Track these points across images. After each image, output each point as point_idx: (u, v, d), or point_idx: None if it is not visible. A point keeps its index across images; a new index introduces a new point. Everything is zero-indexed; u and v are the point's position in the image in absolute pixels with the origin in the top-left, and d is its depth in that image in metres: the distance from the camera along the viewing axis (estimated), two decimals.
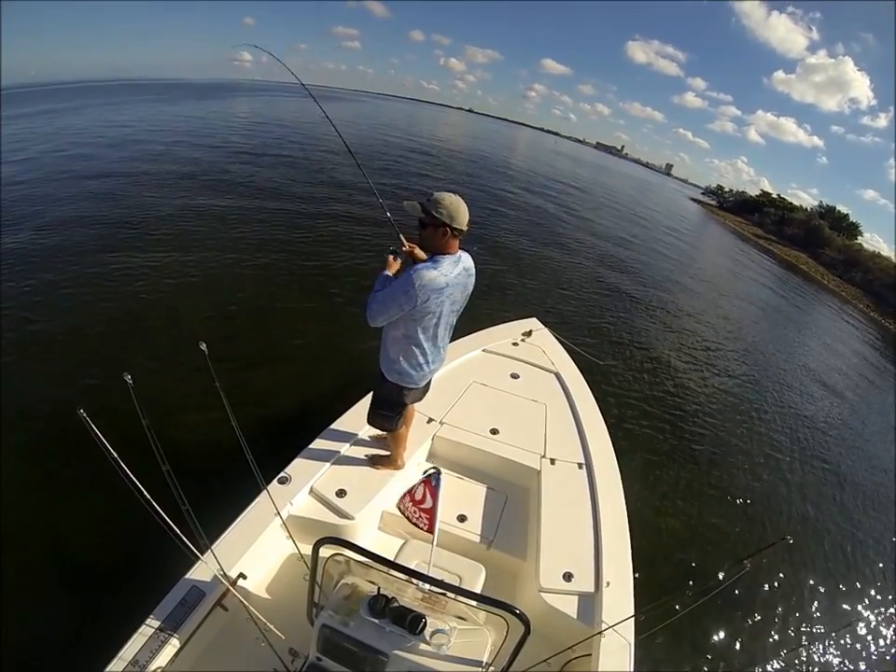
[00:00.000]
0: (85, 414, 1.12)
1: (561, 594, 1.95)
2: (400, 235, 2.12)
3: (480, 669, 1.37)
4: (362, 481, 2.27)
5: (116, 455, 1.17)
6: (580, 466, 2.61)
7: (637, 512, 2.59)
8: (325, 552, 1.37)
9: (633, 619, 1.78)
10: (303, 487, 2.15)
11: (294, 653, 1.63)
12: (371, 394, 2.24)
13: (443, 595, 1.38)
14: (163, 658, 1.49)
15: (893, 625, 3.46)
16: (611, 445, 2.81)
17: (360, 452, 2.43)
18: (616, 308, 8.35)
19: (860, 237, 46.06)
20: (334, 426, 2.52)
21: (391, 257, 2.05)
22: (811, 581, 3.63)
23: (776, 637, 3.12)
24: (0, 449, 3.08)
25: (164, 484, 1.33)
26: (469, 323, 3.03)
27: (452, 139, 36.73)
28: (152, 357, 4.23)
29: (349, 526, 2.10)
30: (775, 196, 54.59)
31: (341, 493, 2.19)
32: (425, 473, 1.95)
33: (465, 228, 1.82)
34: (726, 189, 65.93)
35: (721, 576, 1.43)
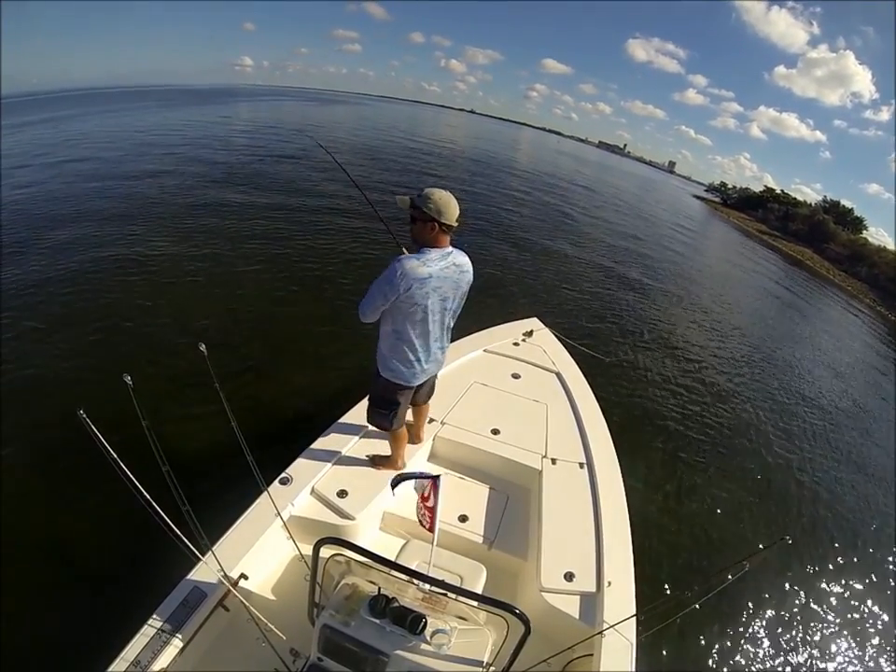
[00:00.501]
0: (85, 415, 1.12)
1: (562, 593, 1.95)
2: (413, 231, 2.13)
3: (480, 669, 1.37)
4: (363, 481, 2.28)
5: (116, 456, 1.17)
6: (581, 466, 2.61)
7: (638, 512, 2.58)
8: (326, 552, 1.37)
9: (634, 619, 1.77)
10: (304, 488, 2.16)
11: (295, 654, 1.64)
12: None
13: (444, 595, 1.38)
14: (165, 658, 1.50)
15: (893, 624, 3.44)
16: (612, 445, 2.80)
17: (361, 452, 2.44)
18: (620, 306, 8.33)
19: (864, 231, 45.73)
20: (335, 426, 2.52)
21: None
22: (811, 581, 3.61)
23: (776, 636, 3.11)
24: (0, 450, 3.10)
25: (164, 485, 1.33)
26: (469, 323, 3.03)
27: (454, 140, 36.77)
28: (152, 358, 4.25)
29: (350, 527, 2.11)
30: (778, 192, 54.29)
31: (342, 493, 2.19)
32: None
33: (454, 223, 1.84)
34: (729, 186, 65.59)
35: (721, 576, 1.43)
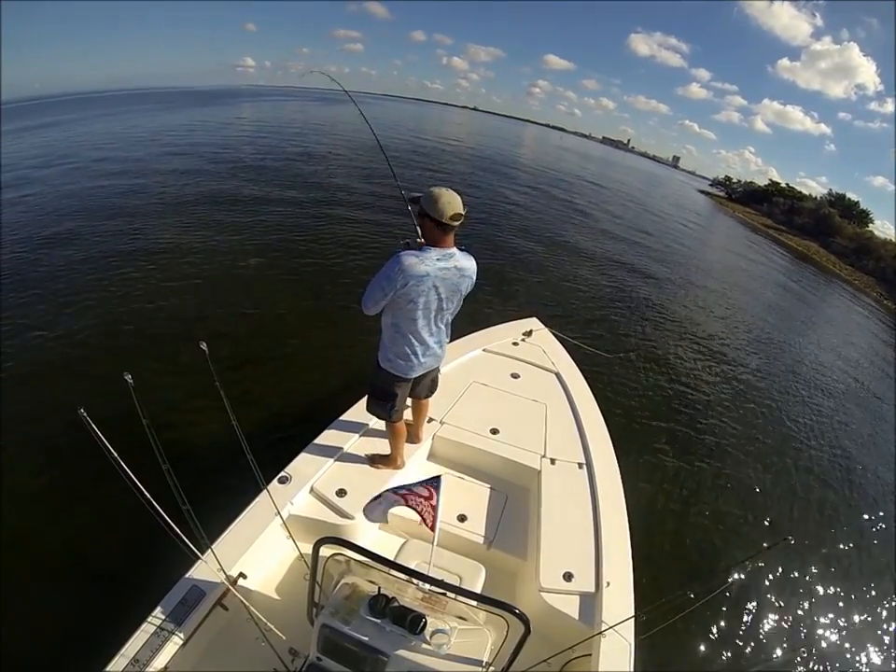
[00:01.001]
0: (85, 414, 1.12)
1: (561, 594, 1.95)
2: (417, 228, 2.12)
3: (480, 669, 1.37)
4: (362, 480, 2.28)
5: (116, 455, 1.17)
6: (580, 466, 2.60)
7: (637, 512, 2.58)
8: (325, 551, 1.37)
9: (633, 619, 1.77)
10: (304, 487, 2.16)
11: (294, 653, 1.64)
12: None
13: (444, 594, 1.38)
14: (164, 657, 1.51)
15: (894, 625, 3.43)
16: (612, 445, 2.80)
17: (360, 451, 2.44)
18: (623, 302, 8.30)
19: (870, 224, 45.40)
20: (334, 425, 2.53)
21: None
22: (812, 582, 3.59)
23: (776, 637, 3.10)
24: (0, 449, 3.12)
25: (164, 484, 1.33)
26: (469, 323, 3.03)
27: (458, 138, 36.67)
28: (153, 357, 4.27)
29: (349, 526, 2.11)
30: (783, 185, 53.86)
31: (341, 492, 2.19)
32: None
33: (448, 221, 1.82)
34: (734, 180, 65.01)
35: (721, 576, 1.42)
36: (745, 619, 3.12)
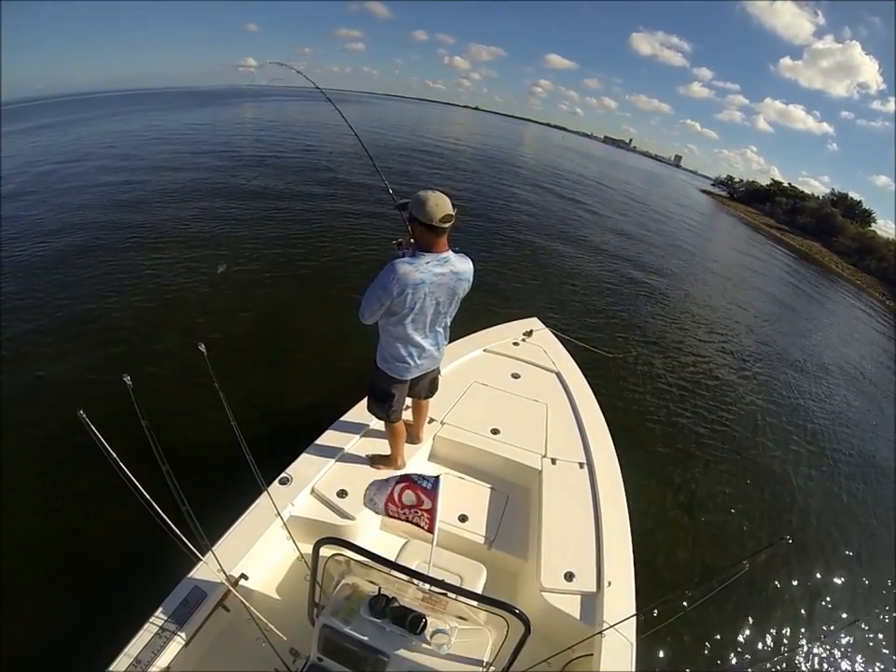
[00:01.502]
0: (85, 416, 1.12)
1: (562, 593, 1.95)
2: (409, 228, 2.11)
3: (480, 669, 1.37)
4: (363, 481, 2.27)
5: (116, 456, 1.17)
6: (581, 465, 2.60)
7: (638, 512, 2.58)
8: (325, 552, 1.37)
9: (634, 618, 1.77)
10: (304, 488, 2.16)
11: (295, 653, 1.64)
12: None
13: (444, 595, 1.38)
14: (166, 658, 1.51)
15: (894, 625, 3.41)
16: (612, 445, 2.80)
17: (361, 452, 2.45)
18: (625, 302, 8.28)
19: (873, 224, 45.19)
20: (335, 426, 2.53)
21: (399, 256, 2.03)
22: (811, 581, 3.59)
23: (776, 636, 3.10)
24: (0, 450, 3.12)
25: (164, 485, 1.34)
26: (469, 323, 3.02)
27: (459, 137, 36.65)
28: (152, 358, 4.27)
29: (350, 527, 2.11)
30: (786, 185, 53.69)
31: (342, 493, 2.20)
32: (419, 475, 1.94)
33: (436, 223, 1.79)
34: (736, 180, 64.81)
35: (721, 576, 1.42)
36: (745, 618, 3.12)
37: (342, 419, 2.58)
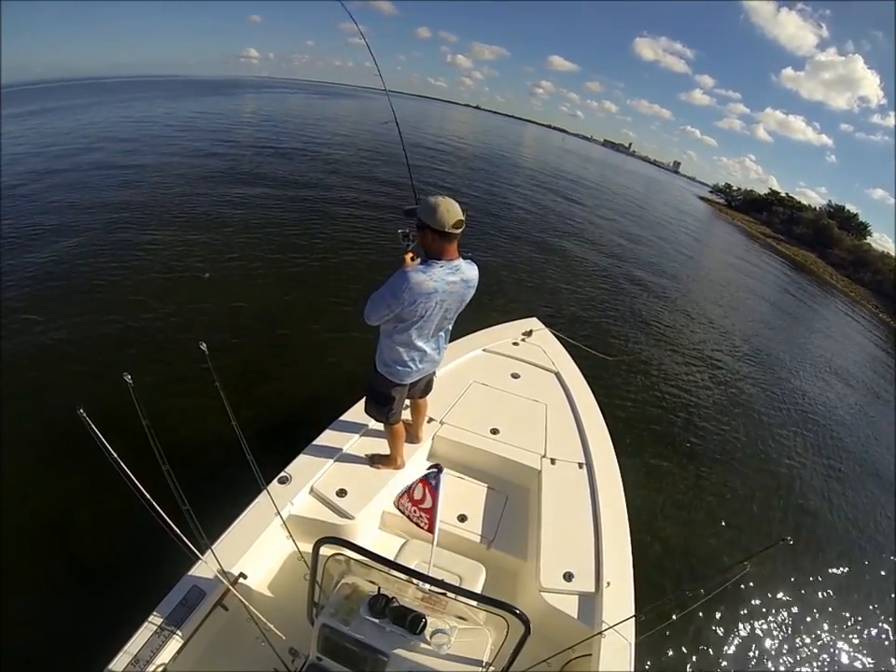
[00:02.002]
0: (85, 414, 1.12)
1: (561, 593, 1.95)
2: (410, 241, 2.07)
3: (480, 669, 1.37)
4: (362, 480, 2.28)
5: (116, 456, 1.17)
6: (580, 466, 2.60)
7: (637, 512, 2.59)
8: (325, 551, 1.37)
9: (633, 619, 1.76)
10: (304, 487, 2.16)
11: (294, 653, 1.64)
12: None
13: (444, 594, 1.38)
14: (165, 656, 1.50)
15: (894, 625, 3.43)
16: (612, 445, 2.80)
17: (360, 451, 2.44)
18: (623, 306, 8.33)
19: (868, 237, 45.63)
20: (334, 425, 2.53)
21: (408, 256, 2.00)
22: (812, 582, 3.61)
23: (776, 637, 3.11)
24: (0, 450, 3.11)
25: (164, 484, 1.33)
26: (469, 323, 3.02)
27: (460, 136, 36.73)
28: (152, 357, 4.26)
29: (349, 526, 2.11)
30: (783, 195, 54.06)
31: (341, 492, 2.19)
32: (427, 471, 1.95)
33: (448, 229, 1.76)
34: (734, 188, 65.19)
35: (721, 576, 1.43)
36: (744, 619, 3.13)
37: (341, 418, 2.57)
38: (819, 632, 3.23)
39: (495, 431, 2.74)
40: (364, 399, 2.33)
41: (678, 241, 18.13)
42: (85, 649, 1.68)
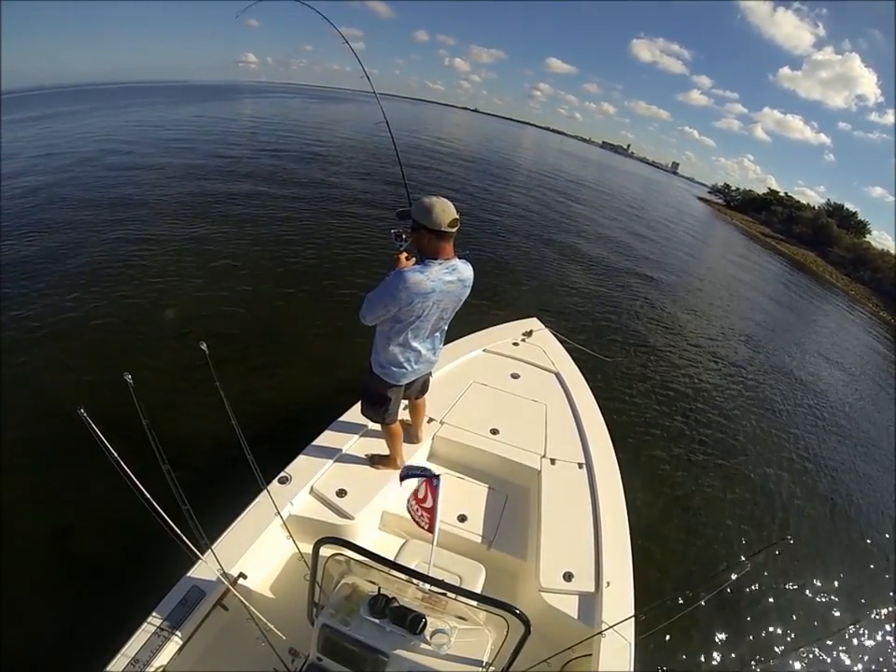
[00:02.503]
0: (85, 414, 1.12)
1: (561, 593, 1.95)
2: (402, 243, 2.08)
3: (480, 669, 1.37)
4: (362, 481, 2.28)
5: (116, 455, 1.17)
6: (580, 466, 2.61)
7: (637, 512, 2.59)
8: (325, 551, 1.37)
9: (633, 619, 1.77)
10: (304, 487, 2.16)
11: (294, 653, 1.64)
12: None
13: (444, 594, 1.38)
14: (164, 657, 1.50)
15: (894, 625, 3.43)
16: (612, 445, 2.80)
17: (360, 451, 2.44)
18: (622, 307, 8.32)
19: (868, 235, 45.75)
20: (334, 425, 2.53)
21: (403, 256, 2.01)
22: (812, 582, 3.60)
23: (776, 636, 3.10)
24: (0, 450, 3.11)
25: (164, 484, 1.33)
26: (469, 323, 3.03)
27: (458, 139, 36.80)
28: (153, 356, 4.26)
29: (349, 526, 2.11)
30: (782, 194, 54.23)
31: (341, 493, 2.19)
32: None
33: (444, 228, 1.77)
34: (733, 188, 65.34)
35: (721, 576, 1.43)
36: (744, 618, 3.13)
37: (341, 419, 2.57)
38: (819, 631, 3.23)
39: (495, 431, 2.74)
40: (360, 401, 2.32)
41: (677, 241, 18.16)
42: (84, 649, 1.68)
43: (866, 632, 3.33)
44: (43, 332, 4.43)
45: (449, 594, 1.34)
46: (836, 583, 3.66)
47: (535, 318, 4.09)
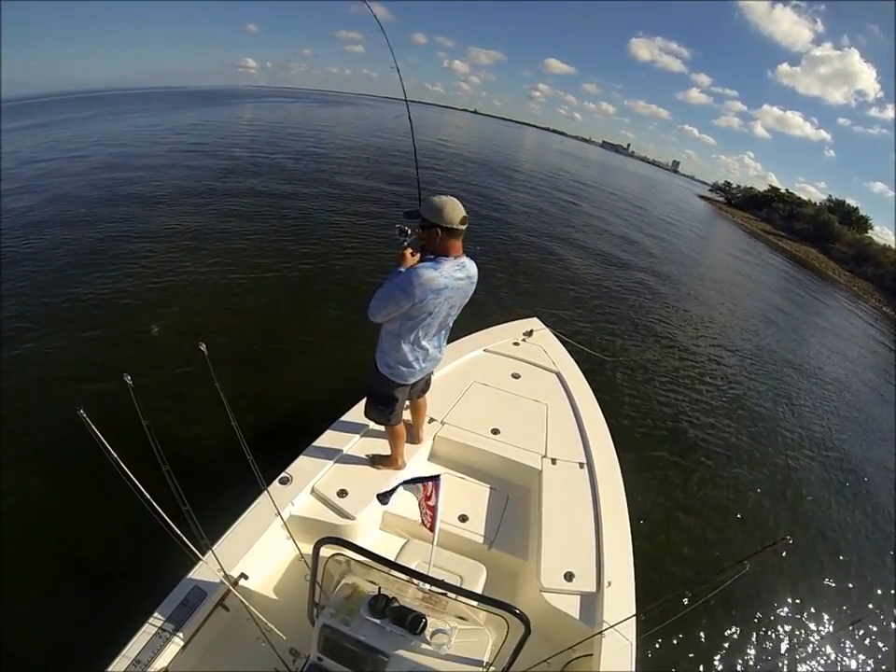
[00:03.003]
0: (85, 415, 1.12)
1: (562, 593, 1.95)
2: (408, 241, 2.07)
3: (480, 669, 1.37)
4: (363, 481, 2.28)
5: (116, 456, 1.17)
6: (581, 465, 2.60)
7: (638, 512, 2.59)
8: (326, 552, 1.37)
9: (634, 618, 1.77)
10: (304, 487, 2.16)
11: (295, 653, 1.64)
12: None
13: (444, 595, 1.38)
14: (165, 658, 1.51)
15: (894, 625, 3.41)
16: (612, 445, 2.80)
17: (361, 452, 2.44)
18: (623, 306, 8.31)
19: (870, 230, 45.66)
20: (335, 426, 2.53)
21: (408, 251, 2.01)
22: (812, 582, 3.60)
23: (776, 636, 3.10)
24: (0, 450, 3.11)
25: (165, 485, 1.33)
26: (469, 323, 3.02)
27: (458, 140, 36.80)
28: (152, 357, 4.27)
29: (350, 526, 2.11)
30: (783, 191, 54.07)
31: (342, 493, 2.19)
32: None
33: (456, 226, 1.80)
34: (734, 186, 65.15)
35: (721, 576, 1.42)
36: (745, 618, 3.12)
37: (342, 419, 2.57)
38: (819, 631, 3.22)
39: (495, 431, 2.74)
40: (364, 402, 2.31)
41: (678, 240, 18.11)
42: (85, 650, 1.68)
43: (867, 632, 3.31)
44: (43, 332, 4.45)
45: (449, 594, 1.34)
46: (837, 583, 3.66)
47: (535, 318, 4.09)
